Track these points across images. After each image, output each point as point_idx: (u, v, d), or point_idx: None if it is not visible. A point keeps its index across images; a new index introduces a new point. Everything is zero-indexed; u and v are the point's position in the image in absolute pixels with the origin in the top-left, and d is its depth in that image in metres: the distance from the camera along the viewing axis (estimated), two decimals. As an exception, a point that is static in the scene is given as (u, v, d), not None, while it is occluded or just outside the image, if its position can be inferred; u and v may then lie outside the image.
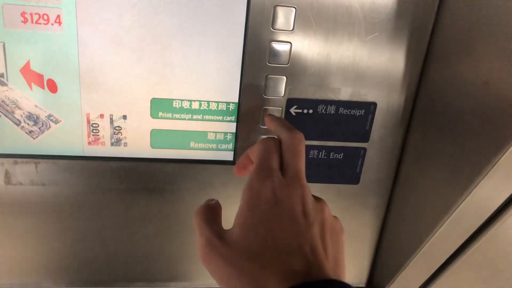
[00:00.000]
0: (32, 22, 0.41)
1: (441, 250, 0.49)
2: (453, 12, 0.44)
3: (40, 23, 0.41)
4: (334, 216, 0.37)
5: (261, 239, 0.31)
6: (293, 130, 0.38)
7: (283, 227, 0.31)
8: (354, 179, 0.52)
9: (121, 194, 0.49)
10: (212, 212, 0.36)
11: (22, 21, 0.41)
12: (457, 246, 0.48)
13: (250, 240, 0.31)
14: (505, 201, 0.42)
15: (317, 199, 0.36)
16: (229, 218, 0.38)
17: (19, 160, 0.46)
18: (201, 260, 0.33)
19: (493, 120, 0.39)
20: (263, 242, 0.31)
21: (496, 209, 0.43)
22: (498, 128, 0.38)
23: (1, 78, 0.43)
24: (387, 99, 0.48)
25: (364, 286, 0.60)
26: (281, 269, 0.29)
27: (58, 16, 0.41)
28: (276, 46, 0.44)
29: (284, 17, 0.43)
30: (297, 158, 0.36)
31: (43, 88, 0.44)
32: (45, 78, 0.43)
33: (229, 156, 0.49)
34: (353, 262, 0.58)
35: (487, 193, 0.41)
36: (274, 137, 0.39)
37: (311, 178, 0.51)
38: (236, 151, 0.49)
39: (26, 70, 0.43)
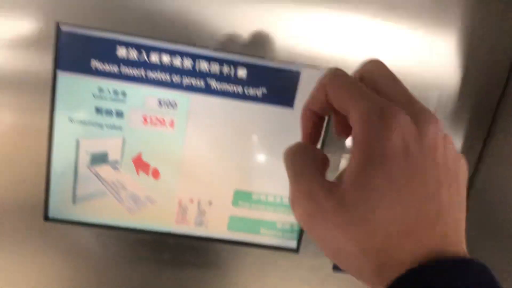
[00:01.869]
0: (151, 124, 0.50)
1: None
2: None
3: (157, 125, 0.50)
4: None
5: (387, 205, 0.24)
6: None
7: (417, 191, 0.24)
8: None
9: (196, 270, 0.56)
10: (314, 154, 0.29)
11: (142, 122, 0.49)
12: None
13: (373, 205, 0.24)
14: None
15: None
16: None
17: (116, 232, 0.54)
18: (300, 220, 0.27)
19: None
20: (389, 209, 0.24)
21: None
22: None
23: (116, 164, 0.51)
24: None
25: None
26: (413, 244, 0.24)
27: (172, 121, 0.50)
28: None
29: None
30: (395, 81, 0.27)
31: (148, 174, 0.52)
32: (151, 167, 0.52)
33: (293, 244, 0.57)
34: None
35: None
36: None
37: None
38: (300, 241, 0.56)
39: (137, 160, 0.51)
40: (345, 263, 0.26)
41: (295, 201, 0.27)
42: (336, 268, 0.57)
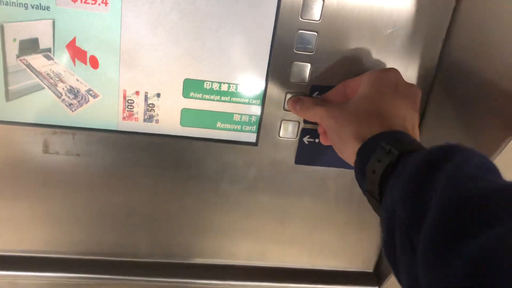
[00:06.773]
0: (81, 2, 0.44)
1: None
2: (468, 14, 0.48)
3: (88, 3, 0.44)
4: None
5: (363, 106, 0.43)
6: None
7: (380, 100, 0.42)
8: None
9: (149, 169, 0.52)
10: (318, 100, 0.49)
11: (72, 0, 0.44)
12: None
13: (355, 106, 0.43)
14: None
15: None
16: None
17: (58, 130, 0.49)
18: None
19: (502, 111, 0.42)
20: (363, 108, 0.42)
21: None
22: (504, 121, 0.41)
23: (48, 53, 0.46)
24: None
25: (371, 271, 0.62)
26: (380, 122, 0.41)
27: (105, -3, 0.45)
28: (304, 34, 0.48)
29: (313, 8, 0.47)
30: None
31: (86, 64, 0.47)
32: (88, 55, 0.47)
33: (252, 137, 0.52)
34: (361, 249, 0.61)
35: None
36: None
37: (335, 163, 0.53)
38: (259, 133, 0.52)
39: (71, 46, 0.46)
40: (339, 137, 0.43)
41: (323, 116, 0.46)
42: (298, 161, 0.53)
